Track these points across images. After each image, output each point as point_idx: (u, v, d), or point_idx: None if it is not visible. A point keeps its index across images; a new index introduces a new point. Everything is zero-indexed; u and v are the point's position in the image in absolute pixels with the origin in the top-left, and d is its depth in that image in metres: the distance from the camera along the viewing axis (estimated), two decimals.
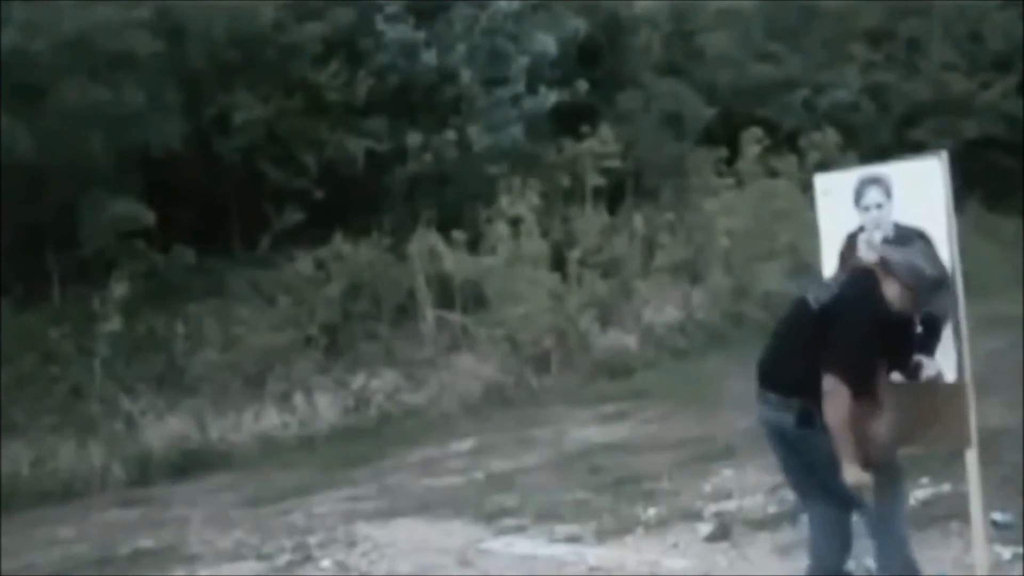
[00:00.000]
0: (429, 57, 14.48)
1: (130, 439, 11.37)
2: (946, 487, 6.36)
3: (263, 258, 13.99)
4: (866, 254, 4.76)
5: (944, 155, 4.67)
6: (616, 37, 17.01)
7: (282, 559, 7.25)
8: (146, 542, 8.29)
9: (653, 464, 8.54)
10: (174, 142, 12.84)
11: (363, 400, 12.40)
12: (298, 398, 12.20)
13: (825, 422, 4.16)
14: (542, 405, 12.21)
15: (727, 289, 14.83)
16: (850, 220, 4.87)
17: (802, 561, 4.82)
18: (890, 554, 4.41)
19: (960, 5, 19.42)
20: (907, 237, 4.60)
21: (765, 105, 17.48)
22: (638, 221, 15.27)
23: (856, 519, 4.54)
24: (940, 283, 4.33)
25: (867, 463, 4.20)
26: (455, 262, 13.67)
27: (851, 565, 4.71)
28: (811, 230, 5.43)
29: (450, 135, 14.40)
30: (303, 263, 13.61)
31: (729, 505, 7.07)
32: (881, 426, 4.30)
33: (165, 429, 11.53)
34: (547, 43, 15.16)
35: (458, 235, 13.73)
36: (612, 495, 7.77)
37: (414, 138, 14.33)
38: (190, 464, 11.19)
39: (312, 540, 7.58)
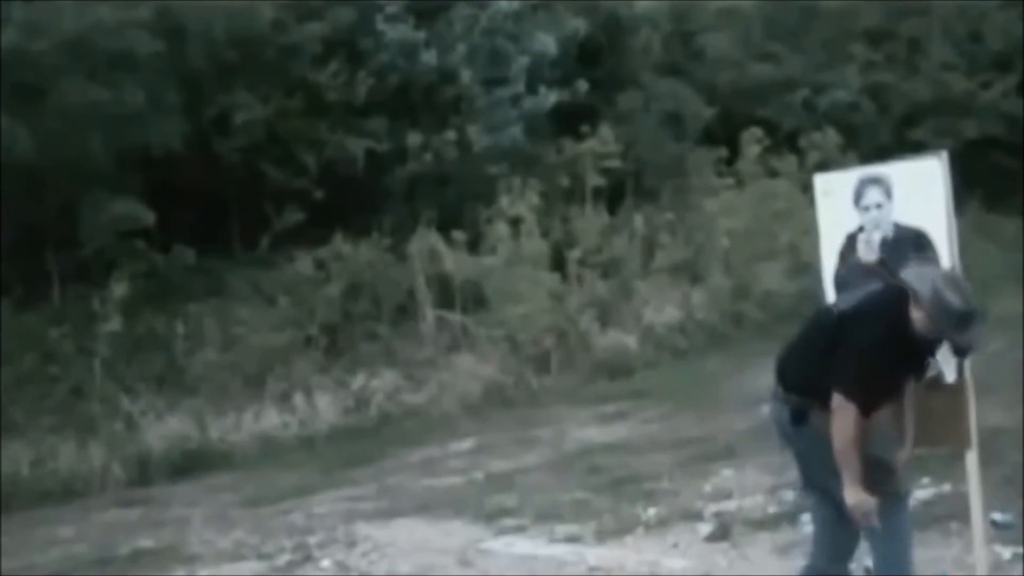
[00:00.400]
0: (429, 57, 14.48)
1: (130, 439, 11.37)
2: (946, 487, 6.37)
3: (263, 258, 13.99)
4: (866, 254, 4.77)
5: (944, 155, 4.68)
6: (616, 37, 17.00)
7: (282, 559, 7.25)
8: (146, 542, 8.29)
9: (653, 464, 8.54)
10: (174, 142, 12.84)
11: (363, 400, 12.40)
12: (298, 398, 12.20)
13: (832, 439, 4.08)
14: (542, 405, 12.21)
15: (727, 289, 14.82)
16: (850, 220, 4.87)
17: (802, 561, 4.82)
18: (890, 554, 4.41)
19: (960, 5, 19.40)
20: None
21: (765, 105, 17.47)
22: (638, 221, 15.26)
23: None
24: (966, 318, 4.04)
25: (871, 484, 4.11)
26: (455, 262, 13.66)
27: (851, 566, 4.70)
28: (811, 230, 5.44)
29: (450, 135, 14.39)
30: (303, 263, 13.61)
31: (729, 505, 7.07)
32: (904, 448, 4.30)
33: (165, 429, 11.53)
34: (547, 43, 15.16)
35: (458, 235, 13.73)
36: (612, 495, 7.77)
37: (414, 138, 14.33)
38: (190, 464, 11.19)
39: (312, 540, 7.59)
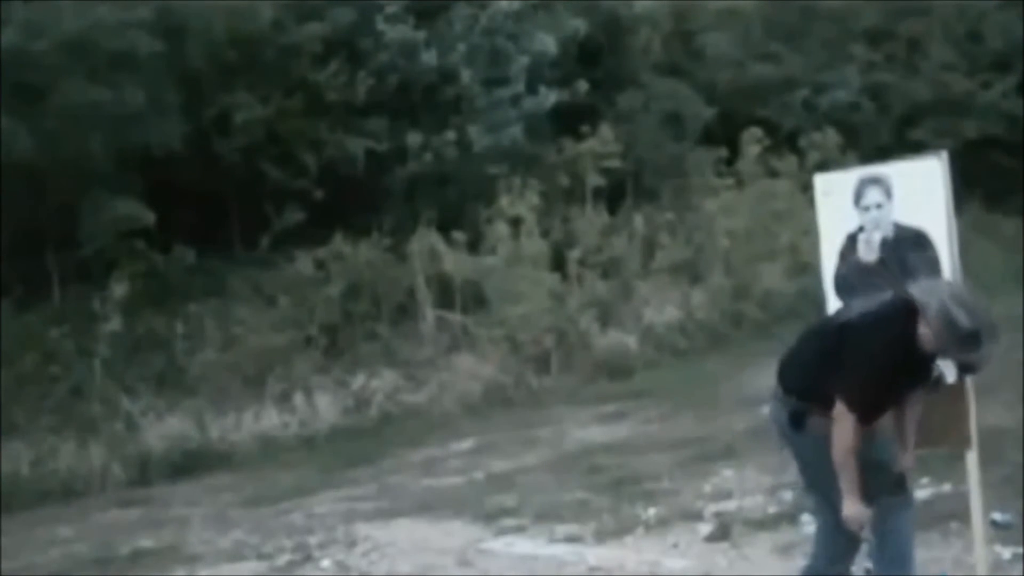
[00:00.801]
0: (429, 57, 14.48)
1: (130, 439, 11.37)
2: (946, 487, 6.36)
3: (263, 258, 13.99)
4: (866, 254, 4.76)
5: (944, 155, 4.67)
6: (616, 37, 17.01)
7: (282, 559, 7.25)
8: (146, 542, 8.29)
9: (653, 464, 8.54)
10: (174, 142, 12.84)
11: (363, 400, 12.40)
12: (298, 398, 12.20)
13: (829, 442, 4.08)
14: (542, 405, 12.21)
15: (727, 289, 14.83)
16: (850, 220, 4.87)
17: (802, 561, 4.82)
18: (891, 555, 4.40)
19: (960, 5, 19.42)
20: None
21: (765, 105, 17.48)
22: (638, 221, 15.26)
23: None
24: (973, 338, 3.95)
25: (873, 486, 4.11)
26: (455, 262, 13.66)
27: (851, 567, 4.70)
28: (811, 230, 5.43)
29: (450, 135, 14.39)
30: (303, 263, 13.61)
31: (729, 505, 7.07)
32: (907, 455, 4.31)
33: (165, 429, 11.53)
34: (547, 43, 15.16)
35: (458, 235, 13.73)
36: (612, 495, 7.77)
37: (414, 138, 14.33)
38: (190, 464, 11.19)
39: (312, 540, 7.58)
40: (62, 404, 11.71)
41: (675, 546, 6.48)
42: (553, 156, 15.54)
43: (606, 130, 15.29)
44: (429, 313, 13.58)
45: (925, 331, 4.01)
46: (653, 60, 17.37)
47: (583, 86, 15.57)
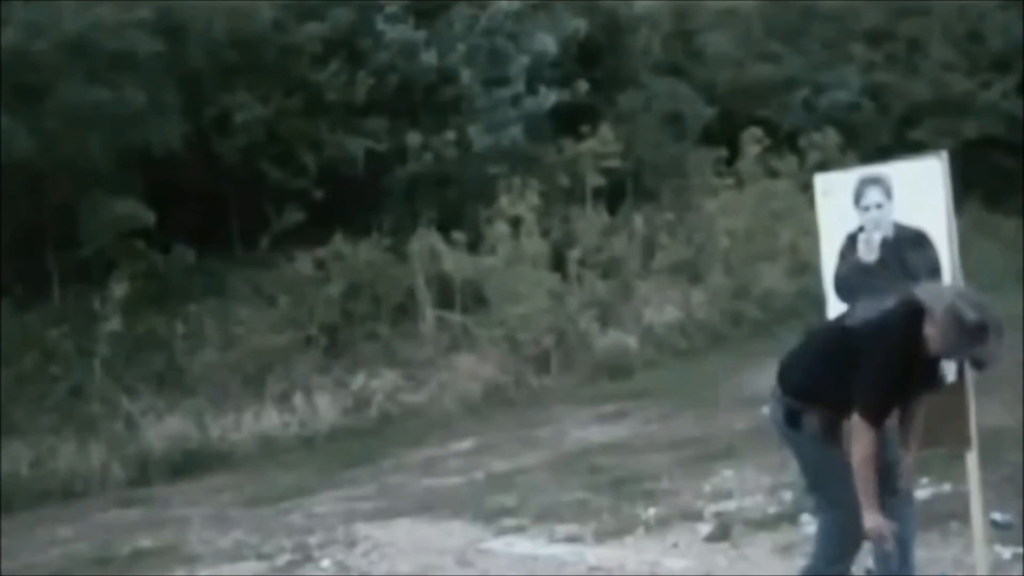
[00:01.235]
0: (429, 57, 14.48)
1: (130, 439, 11.37)
2: (946, 487, 6.36)
3: (263, 258, 13.99)
4: (866, 254, 4.76)
5: (944, 155, 4.67)
6: (616, 37, 17.01)
7: (282, 559, 7.25)
8: (146, 542, 8.28)
9: (653, 464, 8.54)
10: (174, 142, 12.85)
11: (363, 400, 12.40)
12: (298, 398, 12.20)
13: (829, 446, 4.11)
14: (542, 405, 12.21)
15: (727, 289, 14.83)
16: (850, 220, 4.86)
17: (802, 561, 4.82)
18: (891, 554, 4.41)
19: (960, 5, 19.43)
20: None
21: (765, 105, 17.49)
22: (638, 221, 15.27)
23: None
24: (982, 331, 3.95)
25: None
26: (455, 262, 13.67)
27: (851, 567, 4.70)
28: (811, 230, 5.43)
29: (450, 135, 14.40)
30: (303, 263, 13.61)
31: (729, 505, 7.06)
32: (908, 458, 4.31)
33: (165, 429, 11.53)
34: (547, 43, 15.16)
35: (458, 235, 13.73)
36: (612, 495, 7.76)
37: (414, 138, 14.33)
38: (190, 464, 11.19)
39: (312, 540, 7.58)
40: (62, 404, 11.71)
41: (675, 546, 6.48)
42: (553, 156, 15.54)
43: (606, 130, 15.29)
44: (429, 313, 13.58)
45: (931, 331, 4.01)
46: (653, 60, 17.37)
47: (583, 86, 15.57)
